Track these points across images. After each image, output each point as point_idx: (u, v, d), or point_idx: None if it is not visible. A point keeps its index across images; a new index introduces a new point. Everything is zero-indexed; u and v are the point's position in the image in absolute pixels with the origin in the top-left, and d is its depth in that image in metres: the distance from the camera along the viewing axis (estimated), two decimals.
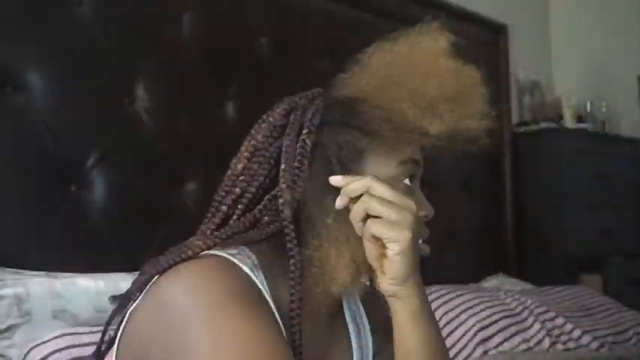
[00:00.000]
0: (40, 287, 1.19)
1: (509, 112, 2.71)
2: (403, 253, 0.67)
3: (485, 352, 1.59)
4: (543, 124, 2.79)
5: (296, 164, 0.71)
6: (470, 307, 1.68)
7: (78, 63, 1.38)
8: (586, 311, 1.98)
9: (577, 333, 1.77)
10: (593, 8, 3.30)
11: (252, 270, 0.69)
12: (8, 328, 1.14)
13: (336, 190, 0.71)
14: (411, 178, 0.77)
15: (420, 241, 0.75)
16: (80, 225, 1.34)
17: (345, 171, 0.72)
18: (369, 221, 0.69)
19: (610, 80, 3.16)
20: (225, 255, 0.68)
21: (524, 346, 1.65)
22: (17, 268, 1.22)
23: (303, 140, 0.72)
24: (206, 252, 0.69)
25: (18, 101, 1.29)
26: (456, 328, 1.63)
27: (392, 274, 0.68)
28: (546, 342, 1.69)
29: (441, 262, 2.23)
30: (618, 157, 2.90)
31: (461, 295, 1.73)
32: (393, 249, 0.67)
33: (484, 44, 2.62)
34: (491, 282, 2.31)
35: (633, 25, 3.14)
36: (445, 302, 1.68)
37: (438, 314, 1.65)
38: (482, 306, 1.70)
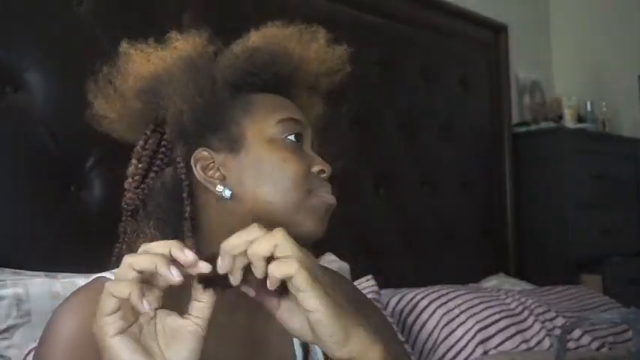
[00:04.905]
0: (39, 287, 1.19)
1: (510, 112, 2.71)
2: (323, 304, 0.57)
3: (486, 353, 1.59)
4: (543, 124, 2.79)
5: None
6: (470, 307, 1.68)
7: (78, 63, 1.37)
8: (586, 311, 1.97)
9: (577, 333, 1.77)
10: (592, 8, 3.30)
11: None
12: (8, 329, 1.14)
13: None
14: (298, 137, 0.78)
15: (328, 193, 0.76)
16: (80, 225, 1.34)
17: (230, 144, 0.76)
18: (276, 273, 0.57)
19: (610, 80, 3.15)
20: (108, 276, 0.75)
21: (524, 346, 1.65)
22: (17, 269, 1.22)
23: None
24: (98, 275, 0.76)
25: (18, 101, 1.29)
26: (456, 328, 1.62)
27: (328, 336, 0.57)
28: (546, 342, 1.68)
29: (441, 262, 2.24)
30: (618, 157, 2.90)
31: (461, 295, 1.73)
32: (312, 306, 0.56)
33: (484, 44, 2.62)
34: (491, 282, 2.31)
35: (633, 25, 3.14)
36: (445, 302, 1.68)
37: (438, 314, 1.65)
38: (482, 306, 1.70)
